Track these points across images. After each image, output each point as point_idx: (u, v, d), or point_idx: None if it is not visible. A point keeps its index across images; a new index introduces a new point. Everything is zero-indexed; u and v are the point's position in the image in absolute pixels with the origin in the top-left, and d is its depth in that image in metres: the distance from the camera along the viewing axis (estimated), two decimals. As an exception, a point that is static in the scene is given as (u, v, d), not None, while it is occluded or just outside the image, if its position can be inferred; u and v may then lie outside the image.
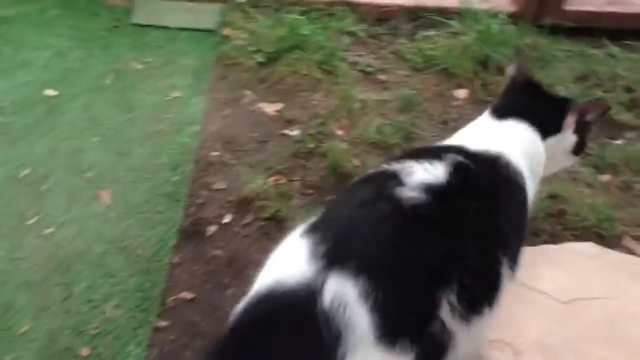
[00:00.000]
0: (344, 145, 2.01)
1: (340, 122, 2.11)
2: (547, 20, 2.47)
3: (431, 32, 2.46)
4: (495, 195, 1.09)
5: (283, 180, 1.90)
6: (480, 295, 1.00)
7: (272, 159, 1.96)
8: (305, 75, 2.28)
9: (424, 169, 1.03)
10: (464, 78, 2.28)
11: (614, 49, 2.42)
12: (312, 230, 0.97)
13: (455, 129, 2.09)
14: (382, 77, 2.33)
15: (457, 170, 1.04)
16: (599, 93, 2.20)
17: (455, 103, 2.22)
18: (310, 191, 1.88)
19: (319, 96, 2.21)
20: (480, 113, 2.23)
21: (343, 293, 0.87)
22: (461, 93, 2.25)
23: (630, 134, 2.08)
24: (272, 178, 1.90)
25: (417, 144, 2.04)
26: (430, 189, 0.98)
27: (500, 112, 1.32)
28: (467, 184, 1.05)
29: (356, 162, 1.96)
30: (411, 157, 1.07)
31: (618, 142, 2.05)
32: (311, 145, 2.01)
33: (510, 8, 2.53)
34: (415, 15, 2.55)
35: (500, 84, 2.22)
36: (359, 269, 0.88)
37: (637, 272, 1.55)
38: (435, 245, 0.95)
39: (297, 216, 1.77)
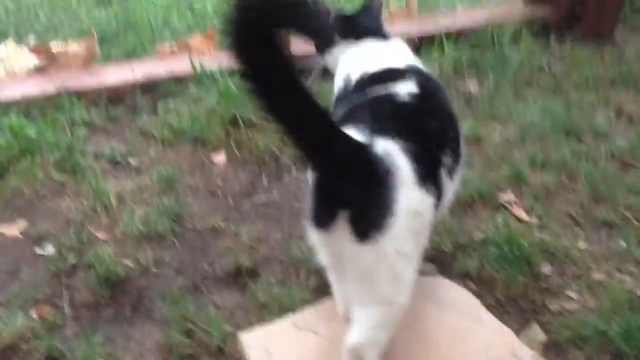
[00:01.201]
0: (110, 248, 1.78)
1: (99, 224, 1.88)
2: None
3: (172, 103, 2.34)
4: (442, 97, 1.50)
5: (48, 310, 1.62)
6: (455, 161, 1.36)
7: (29, 289, 1.66)
8: (44, 181, 2.00)
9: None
10: (218, 142, 2.20)
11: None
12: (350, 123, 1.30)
13: (224, 196, 2.02)
14: (133, 161, 2.14)
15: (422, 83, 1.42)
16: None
17: (216, 170, 2.12)
18: (84, 311, 1.62)
19: (67, 201, 1.95)
20: (244, 173, 2.16)
21: (388, 147, 1.21)
22: (219, 158, 2.16)
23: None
24: (35, 311, 1.61)
25: (190, 224, 1.90)
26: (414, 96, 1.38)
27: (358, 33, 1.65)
28: (429, 91, 1.43)
29: (128, 262, 1.75)
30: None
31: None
32: (72, 260, 1.75)
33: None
34: (150, 88, 2.41)
35: (252, 139, 2.19)
36: (395, 134, 1.24)
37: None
38: (433, 124, 1.36)
39: (77, 347, 1.51)
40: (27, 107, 2.25)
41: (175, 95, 2.38)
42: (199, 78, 2.40)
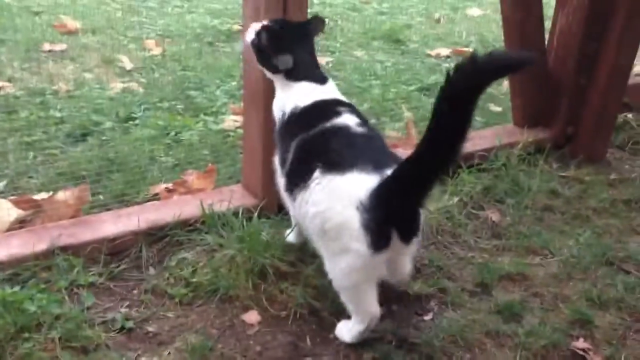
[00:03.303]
0: None
1: (129, 418, 1.55)
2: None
3: (184, 254, 2.07)
4: None
5: None
6: None
7: None
8: (51, 365, 1.66)
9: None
10: (246, 298, 1.93)
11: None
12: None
13: None
14: (150, 328, 1.83)
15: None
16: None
17: (250, 332, 1.85)
18: None
19: (83, 389, 1.62)
20: (283, 334, 1.90)
21: None
22: (251, 317, 1.89)
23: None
24: None
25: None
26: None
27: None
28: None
29: None
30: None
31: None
32: None
33: (251, 202, 2.30)
34: (155, 237, 2.13)
35: (285, 292, 1.95)
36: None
37: None
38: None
39: None
40: (14, 271, 1.91)
41: (185, 243, 2.11)
42: (210, 222, 2.16)
